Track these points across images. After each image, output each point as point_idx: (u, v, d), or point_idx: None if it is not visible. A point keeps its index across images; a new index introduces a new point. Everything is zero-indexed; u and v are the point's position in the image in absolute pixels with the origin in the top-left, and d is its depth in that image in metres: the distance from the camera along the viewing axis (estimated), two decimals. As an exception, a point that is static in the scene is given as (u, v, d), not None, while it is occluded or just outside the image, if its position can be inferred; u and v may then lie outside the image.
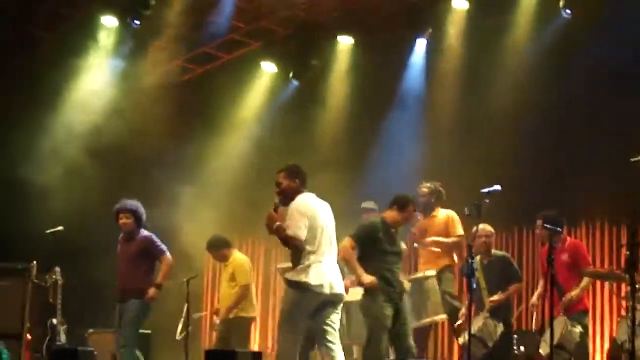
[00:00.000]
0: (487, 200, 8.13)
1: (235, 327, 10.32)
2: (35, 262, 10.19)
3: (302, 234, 7.39)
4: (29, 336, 10.18)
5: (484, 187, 8.20)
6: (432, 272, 9.30)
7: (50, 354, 10.08)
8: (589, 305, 9.54)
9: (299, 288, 7.41)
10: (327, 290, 7.44)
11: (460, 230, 9.76)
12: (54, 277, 10.40)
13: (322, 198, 7.77)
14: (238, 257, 10.64)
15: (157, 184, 11.52)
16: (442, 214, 9.97)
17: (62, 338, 10.39)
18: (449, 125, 11.60)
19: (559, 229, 8.78)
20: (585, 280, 8.95)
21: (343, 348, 9.83)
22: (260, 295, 13.61)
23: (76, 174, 11.39)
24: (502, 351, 8.90)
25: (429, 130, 11.73)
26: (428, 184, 9.97)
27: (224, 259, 10.53)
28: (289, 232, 7.40)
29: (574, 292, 8.78)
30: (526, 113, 11.20)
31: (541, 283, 8.31)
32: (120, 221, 9.25)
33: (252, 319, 10.80)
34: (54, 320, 10.49)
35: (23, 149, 11.42)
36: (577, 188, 11.28)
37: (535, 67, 11.17)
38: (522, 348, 9.22)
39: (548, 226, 8.64)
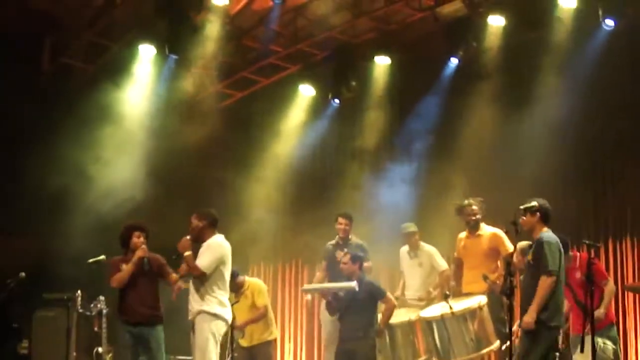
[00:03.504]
0: (525, 217, 7.95)
1: (264, 350, 10.48)
2: (79, 291, 10.26)
3: (210, 269, 8.50)
4: (75, 365, 10.26)
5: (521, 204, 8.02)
6: (484, 300, 9.01)
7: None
8: (614, 317, 9.26)
9: (216, 317, 8.52)
10: (230, 321, 8.71)
11: (510, 247, 9.14)
12: (98, 306, 10.40)
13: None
14: (252, 281, 10.69)
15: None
16: (488, 232, 9.72)
17: (108, 366, 10.40)
18: (487, 142, 11.49)
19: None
20: (608, 297, 8.76)
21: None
22: (292, 314, 13.66)
23: (118, 201, 11.48)
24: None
25: (467, 148, 11.61)
26: (478, 199, 9.73)
27: (240, 287, 10.37)
28: (200, 263, 8.48)
29: (601, 311, 8.56)
30: (557, 131, 11.03)
31: (565, 303, 8.14)
32: (139, 239, 9.04)
33: (275, 340, 11.05)
34: (100, 349, 10.50)
35: (67, 176, 11.53)
36: (605, 203, 11.13)
37: (574, 82, 10.99)
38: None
39: None
